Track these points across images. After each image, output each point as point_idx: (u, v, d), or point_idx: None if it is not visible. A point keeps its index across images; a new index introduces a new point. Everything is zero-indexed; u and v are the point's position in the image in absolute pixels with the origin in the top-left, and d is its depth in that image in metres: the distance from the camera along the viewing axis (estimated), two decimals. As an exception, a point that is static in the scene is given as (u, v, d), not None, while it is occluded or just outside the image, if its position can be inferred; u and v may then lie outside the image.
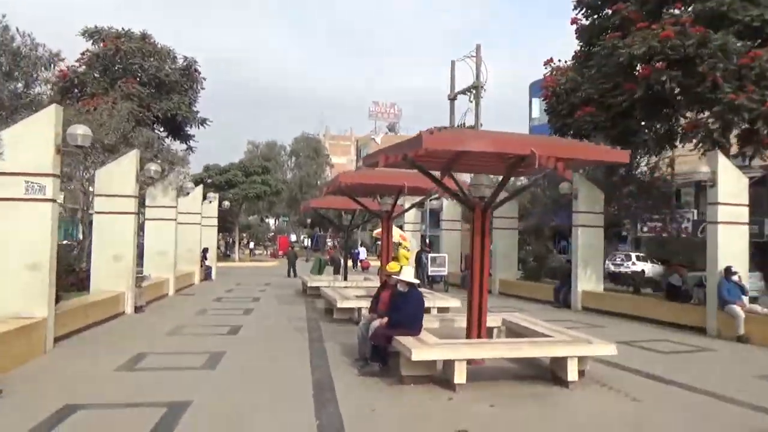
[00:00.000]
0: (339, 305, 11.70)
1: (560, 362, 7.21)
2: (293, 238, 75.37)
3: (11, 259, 8.38)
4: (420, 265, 22.01)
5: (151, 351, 8.84)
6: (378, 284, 17.72)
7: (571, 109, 15.77)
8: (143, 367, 7.89)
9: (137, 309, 13.14)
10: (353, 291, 14.15)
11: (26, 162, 8.46)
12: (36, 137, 8.50)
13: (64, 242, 19.39)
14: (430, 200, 20.34)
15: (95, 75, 21.50)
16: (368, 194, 14.19)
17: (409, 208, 13.79)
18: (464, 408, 6.27)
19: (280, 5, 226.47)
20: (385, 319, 7.61)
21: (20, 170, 8.45)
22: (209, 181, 39.51)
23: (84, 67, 21.52)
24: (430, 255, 20.70)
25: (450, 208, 23.62)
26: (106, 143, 15.16)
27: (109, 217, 12.76)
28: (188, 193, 18.07)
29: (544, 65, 17.27)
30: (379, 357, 7.59)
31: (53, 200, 8.72)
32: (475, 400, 6.51)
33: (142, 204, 17.35)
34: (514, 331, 8.92)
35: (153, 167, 13.31)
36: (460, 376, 6.71)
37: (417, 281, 7.86)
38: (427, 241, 27.42)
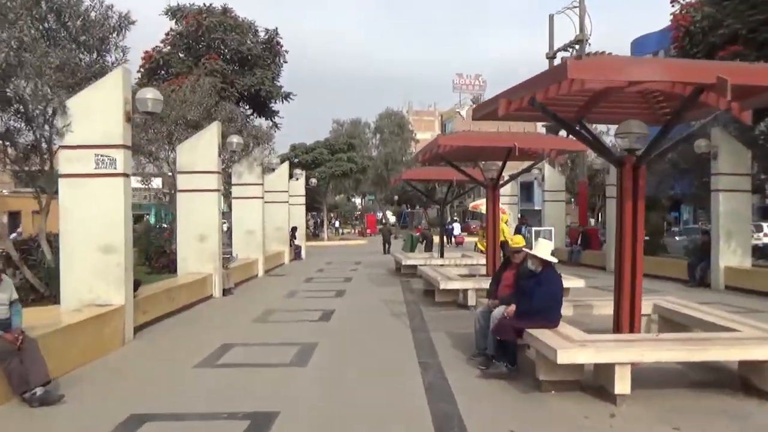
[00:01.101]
0: (442, 286, 10.23)
1: (756, 367, 5.33)
2: (379, 215, 75.00)
3: (83, 240, 7.56)
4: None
5: (236, 342, 7.81)
6: (477, 261, 16.23)
7: (710, 49, 13.17)
8: (226, 362, 6.82)
9: (225, 292, 12.37)
10: (455, 270, 12.63)
11: (94, 133, 7.58)
12: (103, 105, 7.59)
13: (157, 226, 19.28)
14: (536, 168, 18.30)
15: (180, 55, 21.13)
16: (469, 160, 12.56)
17: (520, 173, 12.06)
18: None
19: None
20: (513, 307, 6.03)
21: (89, 143, 7.59)
22: (296, 160, 39.21)
23: (168, 47, 21.17)
24: (534, 229, 18.71)
25: (553, 178, 21.39)
26: (189, 119, 14.49)
27: (192, 195, 11.98)
28: (273, 170, 17.20)
29: (671, 3, 14.65)
30: (507, 355, 6.05)
31: (125, 174, 7.82)
32: (650, 419, 4.81)
33: (228, 183, 16.68)
34: (672, 321, 7.05)
35: (235, 140, 12.38)
36: (622, 385, 5.02)
37: (555, 259, 6.19)
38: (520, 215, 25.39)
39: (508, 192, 24.16)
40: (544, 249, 6.15)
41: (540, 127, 34.23)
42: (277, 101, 22.62)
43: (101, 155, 7.58)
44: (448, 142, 10.21)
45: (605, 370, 5.18)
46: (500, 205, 20.94)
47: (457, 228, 33.70)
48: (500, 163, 11.81)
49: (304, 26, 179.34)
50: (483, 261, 15.78)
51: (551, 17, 23.86)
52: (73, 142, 7.57)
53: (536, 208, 46.03)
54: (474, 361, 6.56)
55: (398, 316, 9.89)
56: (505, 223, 20.02)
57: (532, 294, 5.91)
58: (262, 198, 16.70)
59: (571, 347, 5.12)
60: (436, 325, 9.00)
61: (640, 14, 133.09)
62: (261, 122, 20.64)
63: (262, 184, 16.51)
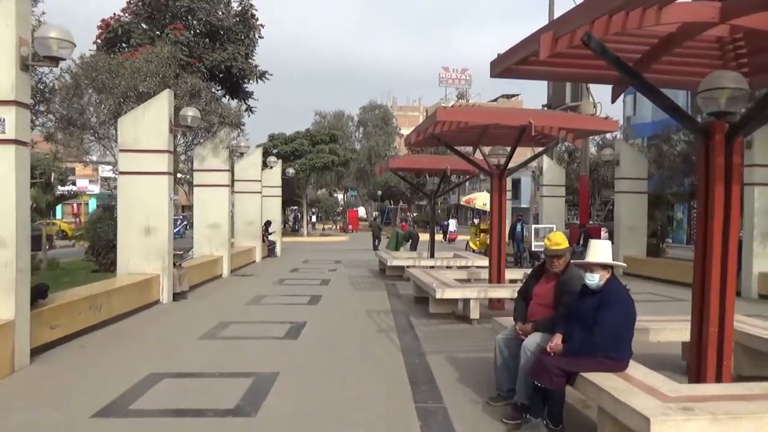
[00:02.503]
0: (438, 295, 8.28)
1: None
2: (362, 212, 72.91)
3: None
4: (515, 239, 18.33)
5: (167, 371, 5.78)
6: (473, 262, 14.26)
7: None
8: (142, 408, 4.79)
9: (176, 296, 10.31)
10: (450, 274, 10.71)
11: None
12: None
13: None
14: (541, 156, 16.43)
15: (142, 25, 18.86)
16: (470, 144, 10.64)
17: (532, 159, 10.18)
18: None
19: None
20: (559, 340, 4.11)
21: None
22: (275, 151, 37.02)
23: (129, 16, 18.88)
24: (533, 227, 16.88)
25: (552, 171, 19.56)
26: (141, 91, 12.33)
27: (137, 178, 9.87)
28: (242, 154, 15.10)
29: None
30: (548, 410, 4.14)
31: (21, 142, 5.74)
32: None
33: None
34: (756, 353, 5.21)
35: (191, 113, 10.28)
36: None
37: (623, 264, 4.30)
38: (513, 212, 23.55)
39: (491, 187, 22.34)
40: (604, 252, 4.23)
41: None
42: (252, 81, 20.45)
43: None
44: (450, 117, 8.26)
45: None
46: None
47: (453, 224, 31.83)
48: (508, 148, 9.91)
49: (287, 14, 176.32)
50: (480, 262, 13.97)
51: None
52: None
53: (523, 205, 44.41)
54: (494, 409, 4.65)
55: (385, 331, 7.92)
56: (501, 219, 18.22)
57: (591, 320, 3.98)
58: (230, 187, 14.60)
59: (670, 413, 3.19)
60: (432, 345, 7.08)
61: None
62: (233, 104, 18.40)
63: (229, 171, 14.41)
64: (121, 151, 9.97)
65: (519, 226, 18.32)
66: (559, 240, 4.69)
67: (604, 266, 4.14)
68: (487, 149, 10.82)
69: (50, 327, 6.48)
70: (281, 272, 15.58)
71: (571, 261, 4.70)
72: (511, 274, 10.46)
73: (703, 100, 4.60)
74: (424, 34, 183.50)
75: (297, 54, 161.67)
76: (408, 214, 50.56)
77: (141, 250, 9.85)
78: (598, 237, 19.29)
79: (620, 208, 15.66)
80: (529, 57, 4.60)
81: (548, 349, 4.07)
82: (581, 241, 18.00)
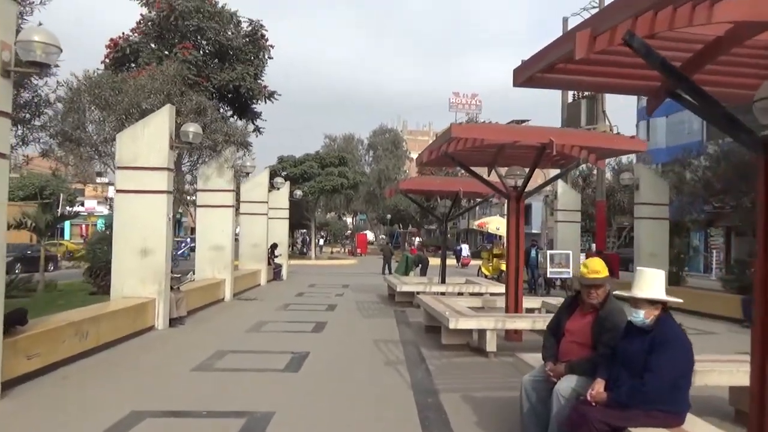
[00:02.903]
0: (452, 325, 7.64)
1: None
2: (370, 236, 72.31)
3: None
4: (529, 265, 17.64)
5: (154, 409, 5.20)
6: (487, 288, 13.57)
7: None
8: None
9: (173, 322, 9.73)
10: (463, 301, 10.06)
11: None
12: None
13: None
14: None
15: (151, 45, 18.65)
16: (484, 164, 10.08)
17: (551, 180, 9.61)
18: None
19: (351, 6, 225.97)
20: (600, 387, 3.48)
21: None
22: (284, 173, 36.72)
23: (138, 36, 18.70)
24: (549, 253, 16.22)
25: (567, 195, 18.95)
26: (144, 108, 11.96)
27: (134, 197, 9.40)
28: (248, 174, 14.65)
29: None
30: (590, 470, 3.49)
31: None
32: None
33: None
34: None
35: (192, 129, 9.83)
36: None
37: (678, 300, 3.72)
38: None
39: (507, 210, 21.73)
40: (655, 285, 3.63)
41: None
42: (260, 101, 20.14)
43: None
44: (465, 134, 7.73)
45: None
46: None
47: (465, 249, 31.18)
48: (526, 169, 9.35)
49: (298, 41, 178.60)
50: (494, 289, 13.31)
51: (565, 20, 21.70)
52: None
53: (534, 230, 43.65)
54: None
55: (393, 364, 7.29)
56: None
57: (641, 364, 3.36)
58: (234, 207, 14.12)
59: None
60: (446, 381, 6.44)
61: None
62: (240, 124, 18.03)
63: (234, 191, 13.94)
64: (119, 168, 9.51)
65: (533, 252, 17.66)
66: (598, 267, 4.09)
67: (652, 302, 3.53)
68: (502, 170, 10.30)
69: (27, 357, 5.92)
70: (286, 296, 14.98)
71: (612, 293, 4.10)
72: (528, 302, 9.82)
73: (760, 110, 4.04)
74: (434, 59, 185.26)
75: (307, 80, 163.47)
76: (417, 238, 49.88)
77: (137, 273, 9.33)
78: (617, 264, 18.59)
79: (640, 235, 14.98)
80: (557, 63, 3.98)
81: (589, 397, 3.45)
82: (599, 269, 17.32)
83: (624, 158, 22.58)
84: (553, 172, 14.55)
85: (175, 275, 10.30)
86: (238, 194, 18.51)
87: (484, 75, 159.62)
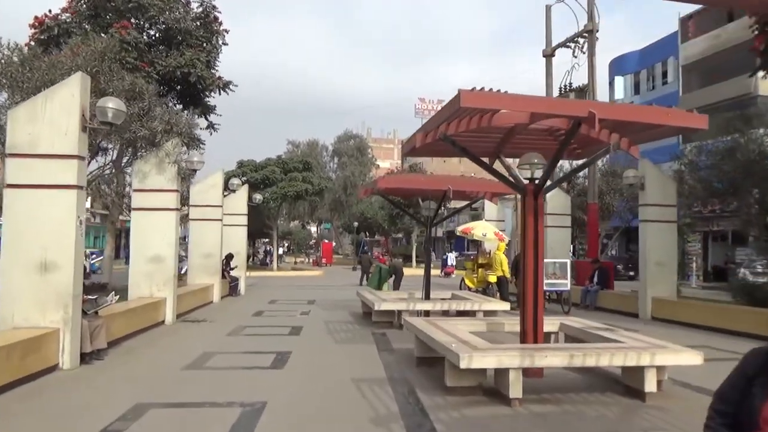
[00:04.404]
0: (465, 364, 5.57)
1: None
2: (337, 245, 69.84)
3: None
4: (519, 276, 15.74)
5: None
6: (480, 305, 11.48)
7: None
8: None
9: (87, 357, 7.38)
10: (463, 324, 7.99)
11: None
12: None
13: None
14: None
15: (84, 25, 16.14)
16: (487, 153, 8.11)
17: (576, 171, 7.64)
18: None
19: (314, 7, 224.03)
20: None
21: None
22: (244, 178, 34.22)
23: (69, 15, 16.17)
24: (545, 261, 14.30)
25: (557, 198, 17.19)
26: (60, 87, 9.52)
27: (32, 193, 7.06)
28: (195, 171, 12.32)
29: None
30: None
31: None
32: None
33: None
34: None
35: (111, 104, 7.50)
36: None
37: None
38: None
39: (494, 215, 19.95)
40: None
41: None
42: (214, 92, 17.81)
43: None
44: (481, 103, 5.70)
45: None
46: (498, 231, 16.76)
47: (452, 258, 29.34)
48: (540, 157, 7.40)
49: (257, 43, 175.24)
50: (488, 306, 11.33)
51: (548, 9, 20.13)
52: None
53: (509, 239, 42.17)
54: None
55: (384, 424, 5.15)
56: (503, 253, 15.71)
57: None
58: (178, 211, 11.77)
59: None
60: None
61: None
62: (188, 115, 15.59)
63: (177, 191, 11.58)
64: (10, 156, 7.14)
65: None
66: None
67: None
68: (510, 161, 8.36)
69: None
70: (241, 316, 12.67)
71: None
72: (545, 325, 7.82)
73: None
74: (398, 68, 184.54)
75: (266, 86, 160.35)
76: (385, 246, 47.81)
77: (33, 295, 6.96)
78: (612, 275, 16.92)
79: (646, 240, 13.27)
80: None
81: None
82: (595, 279, 15.59)
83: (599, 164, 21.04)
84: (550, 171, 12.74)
85: (90, 297, 7.94)
86: (187, 198, 16.17)
87: (451, 79, 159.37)
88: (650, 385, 5.99)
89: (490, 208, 20.11)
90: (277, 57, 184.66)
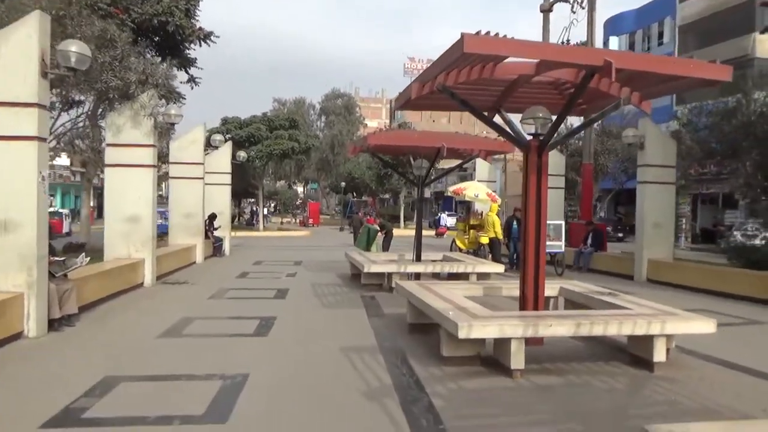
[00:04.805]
0: (464, 334, 5.14)
1: None
2: (325, 205, 69.23)
3: None
4: (511, 238, 15.40)
5: None
6: (474, 267, 11.00)
7: None
8: None
9: (56, 323, 6.87)
10: (459, 289, 7.56)
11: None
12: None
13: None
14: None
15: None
16: (486, 107, 7.52)
17: (588, 123, 7.03)
18: None
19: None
20: None
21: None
22: (228, 136, 33.25)
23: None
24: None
25: (551, 157, 16.63)
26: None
27: (-14, 145, 6.39)
28: (173, 125, 11.58)
29: None
30: None
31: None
32: None
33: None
34: None
35: (73, 47, 6.76)
36: None
37: None
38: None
39: (485, 175, 19.44)
40: None
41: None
42: (194, 44, 16.84)
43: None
44: (486, 49, 5.08)
45: None
46: (490, 192, 16.28)
47: (444, 218, 28.96)
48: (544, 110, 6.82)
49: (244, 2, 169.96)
50: (482, 268, 10.93)
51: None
52: None
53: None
54: None
55: (377, 399, 4.73)
56: (496, 215, 15.28)
57: None
58: (155, 167, 11.09)
59: None
60: (468, 429, 3.96)
61: None
62: (165, 65, 14.64)
63: (154, 146, 10.88)
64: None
65: (515, 223, 15.38)
66: None
67: None
68: (511, 116, 7.79)
69: None
70: (225, 278, 12.19)
71: None
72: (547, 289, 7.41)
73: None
74: (385, 26, 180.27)
75: (254, 45, 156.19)
76: (373, 207, 47.32)
77: (-7, 256, 6.38)
78: (605, 237, 16.60)
79: (644, 202, 12.87)
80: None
81: None
82: (589, 241, 15.27)
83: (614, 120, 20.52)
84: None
85: (58, 259, 7.36)
86: (167, 155, 15.46)
87: (439, 42, 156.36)
88: (659, 354, 5.62)
89: (481, 168, 19.58)
90: (264, 14, 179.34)
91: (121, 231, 10.60)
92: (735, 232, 24.28)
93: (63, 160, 42.16)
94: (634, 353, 5.94)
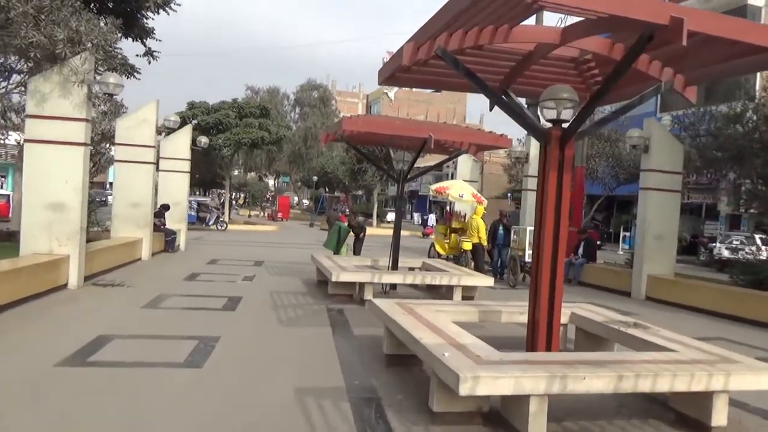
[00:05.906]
0: (467, 390, 3.66)
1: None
2: (295, 200, 67.25)
3: None
4: (496, 245, 14.05)
5: None
6: (459, 279, 9.35)
7: None
8: None
9: None
10: (446, 313, 6.06)
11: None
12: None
13: None
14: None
15: None
16: (493, 87, 6.05)
17: (620, 112, 5.65)
18: None
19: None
20: None
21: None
22: (194, 121, 31.23)
23: None
24: (528, 229, 12.53)
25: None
26: None
27: None
28: (113, 96, 9.73)
29: None
30: None
31: None
32: None
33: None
34: None
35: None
36: None
37: None
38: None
39: (467, 174, 18.09)
40: None
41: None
42: (151, 11, 14.97)
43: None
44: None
45: None
46: (476, 192, 14.83)
47: (432, 219, 27.62)
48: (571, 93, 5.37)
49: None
50: (468, 280, 9.48)
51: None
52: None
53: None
54: None
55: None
56: (481, 218, 13.87)
57: None
58: (86, 145, 9.29)
59: None
60: None
61: None
62: (106, 24, 12.73)
63: (87, 120, 9.12)
64: None
65: (501, 228, 14.01)
66: None
67: None
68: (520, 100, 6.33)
69: None
70: (169, 280, 10.49)
71: None
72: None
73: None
74: (364, 23, 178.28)
75: (227, 33, 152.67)
76: (346, 204, 45.62)
77: None
78: (596, 244, 15.36)
79: (647, 211, 11.61)
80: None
81: None
82: (581, 250, 13.98)
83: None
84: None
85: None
86: (112, 136, 13.62)
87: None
88: (720, 416, 4.25)
89: (463, 166, 18.22)
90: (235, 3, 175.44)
91: (42, 221, 8.81)
92: (719, 245, 23.50)
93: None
94: (682, 411, 4.55)
